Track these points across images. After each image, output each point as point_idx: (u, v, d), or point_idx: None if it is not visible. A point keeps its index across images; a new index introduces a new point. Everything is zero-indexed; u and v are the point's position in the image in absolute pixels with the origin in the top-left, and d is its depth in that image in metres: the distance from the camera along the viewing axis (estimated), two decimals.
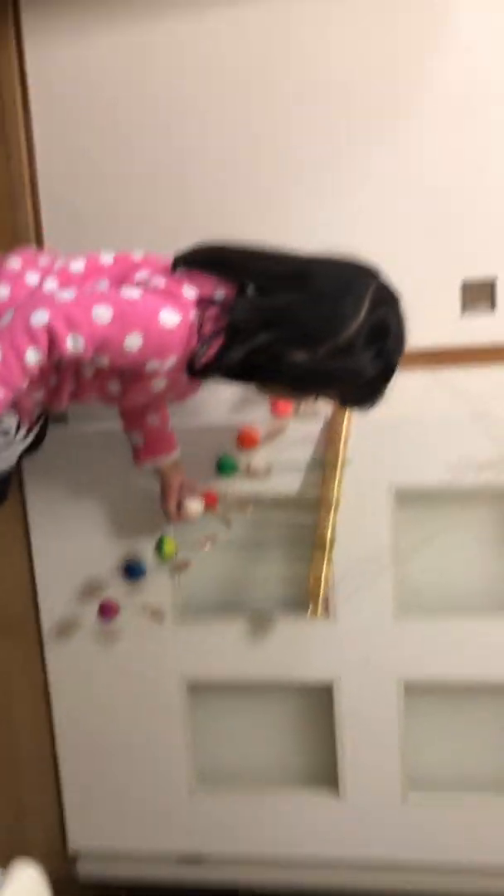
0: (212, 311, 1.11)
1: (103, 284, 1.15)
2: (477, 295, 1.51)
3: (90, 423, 1.56)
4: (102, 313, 1.06)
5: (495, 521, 1.58)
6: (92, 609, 1.62)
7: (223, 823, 1.72)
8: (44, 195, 1.56)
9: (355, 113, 1.47)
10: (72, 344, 1.05)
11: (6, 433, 1.17)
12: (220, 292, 1.13)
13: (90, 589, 1.62)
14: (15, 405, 1.16)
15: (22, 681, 1.67)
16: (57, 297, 1.09)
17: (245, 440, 1.50)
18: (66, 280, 1.15)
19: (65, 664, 1.69)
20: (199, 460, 1.52)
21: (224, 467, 1.51)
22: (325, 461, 1.50)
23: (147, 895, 1.85)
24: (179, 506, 1.46)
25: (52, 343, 1.04)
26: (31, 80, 1.53)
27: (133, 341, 1.07)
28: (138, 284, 1.14)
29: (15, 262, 1.17)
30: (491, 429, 1.48)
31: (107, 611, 1.59)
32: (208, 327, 1.11)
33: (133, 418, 1.39)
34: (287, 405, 1.51)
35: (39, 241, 1.56)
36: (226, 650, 1.63)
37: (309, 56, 1.46)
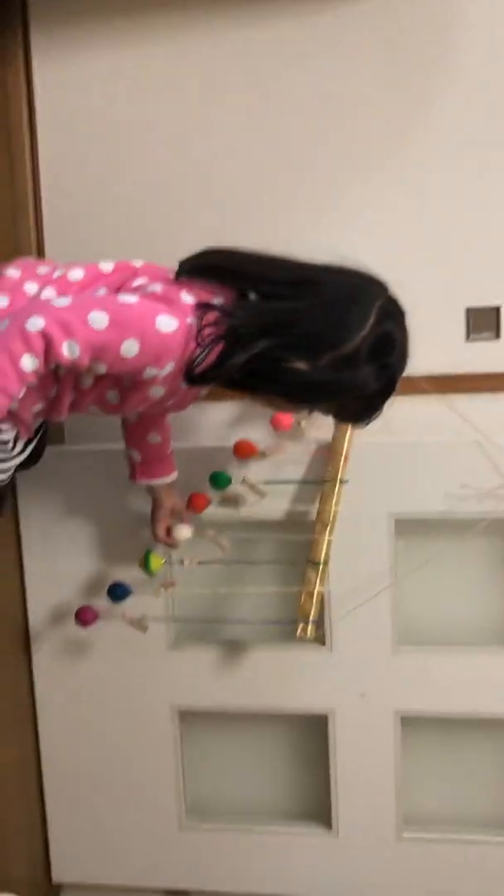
0: (211, 316, 1.09)
1: (101, 291, 1.13)
2: (481, 322, 1.51)
3: (87, 443, 1.55)
4: (98, 318, 1.04)
5: (497, 551, 1.56)
6: (82, 631, 1.58)
7: (212, 859, 1.67)
8: (47, 210, 1.56)
9: (358, 140, 1.48)
10: (68, 350, 1.03)
11: (4, 444, 1.15)
12: (220, 298, 1.12)
13: (78, 604, 1.58)
14: (14, 417, 1.14)
15: (8, 705, 1.63)
16: (53, 303, 1.07)
17: (242, 450, 1.48)
18: (64, 289, 1.14)
19: (53, 689, 1.66)
20: (196, 479, 1.49)
21: (218, 481, 1.49)
22: (325, 478, 1.48)
23: None
24: (169, 531, 1.44)
25: (48, 349, 1.03)
26: (38, 97, 1.53)
27: (130, 347, 1.05)
28: (136, 290, 1.12)
29: (14, 272, 1.16)
30: (494, 457, 1.46)
31: (85, 616, 1.54)
32: (207, 332, 1.09)
33: (136, 436, 1.37)
34: (287, 420, 1.49)
35: (41, 256, 1.55)
36: (218, 677, 1.60)
37: (313, 82, 1.47)
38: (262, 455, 1.49)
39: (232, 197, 1.51)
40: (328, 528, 1.46)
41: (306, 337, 1.09)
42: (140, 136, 1.52)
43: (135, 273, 1.16)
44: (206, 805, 1.70)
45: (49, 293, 1.13)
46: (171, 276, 1.15)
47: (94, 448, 1.54)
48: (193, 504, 1.48)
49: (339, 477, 1.47)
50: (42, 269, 1.19)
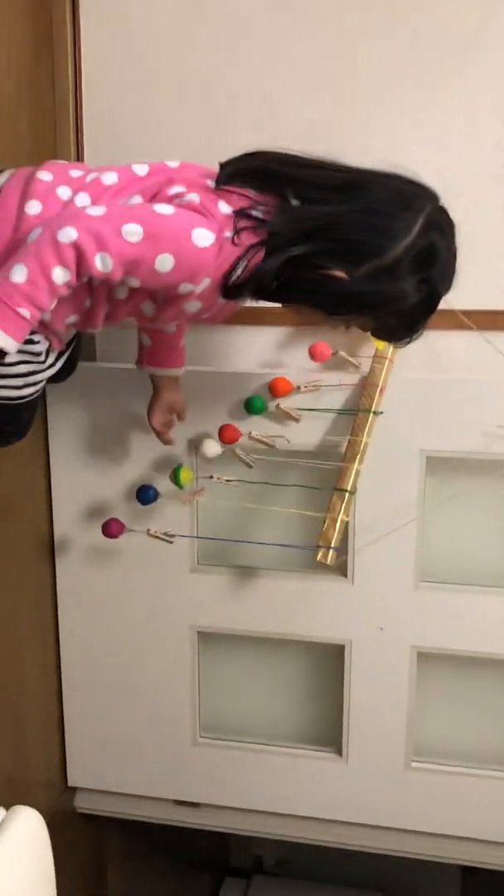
0: (249, 224, 1.05)
1: (136, 199, 1.09)
2: None
3: (119, 361, 1.53)
4: (133, 231, 1.01)
5: None
6: (106, 544, 1.58)
7: (223, 774, 1.71)
8: (87, 116, 1.51)
9: (421, 41, 1.41)
10: (100, 263, 1.00)
11: (36, 355, 1.13)
12: (260, 206, 1.07)
13: (104, 517, 1.59)
14: (46, 328, 1.12)
15: (31, 612, 1.66)
16: (86, 213, 1.03)
17: (279, 388, 1.46)
18: (99, 194, 1.09)
19: (75, 598, 1.68)
20: (229, 403, 1.48)
21: (253, 406, 1.47)
22: (358, 408, 1.45)
23: (141, 830, 1.87)
24: (168, 425, 1.40)
25: (80, 262, 0.99)
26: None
27: (164, 261, 1.02)
28: (171, 199, 1.07)
29: (46, 175, 1.11)
30: None
31: (112, 528, 1.53)
32: (245, 238, 1.04)
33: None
34: (326, 351, 1.46)
35: (80, 160, 1.52)
36: (238, 600, 1.61)
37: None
38: (298, 390, 1.47)
39: (276, 94, 1.46)
40: (358, 458, 1.44)
41: (346, 243, 1.04)
42: (183, 38, 1.47)
43: (170, 178, 1.10)
44: (220, 723, 1.74)
45: (83, 199, 1.08)
46: (210, 179, 1.10)
47: (125, 366, 1.52)
48: (225, 435, 1.47)
49: (372, 408, 1.44)
50: (75, 173, 1.13)
